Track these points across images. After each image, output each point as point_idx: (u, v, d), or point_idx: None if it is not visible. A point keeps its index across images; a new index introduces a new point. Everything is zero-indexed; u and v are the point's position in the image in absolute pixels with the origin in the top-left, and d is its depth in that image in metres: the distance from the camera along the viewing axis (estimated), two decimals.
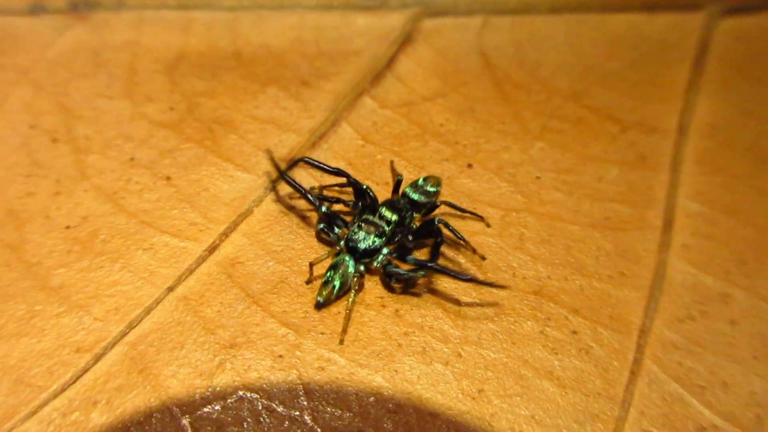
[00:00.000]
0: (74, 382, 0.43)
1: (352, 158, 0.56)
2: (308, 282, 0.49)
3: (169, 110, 0.58)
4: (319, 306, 0.47)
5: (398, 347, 0.46)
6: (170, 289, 0.48)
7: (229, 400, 0.43)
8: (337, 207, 0.52)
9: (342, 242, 0.49)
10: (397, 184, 0.53)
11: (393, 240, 0.49)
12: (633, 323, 0.49)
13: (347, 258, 0.48)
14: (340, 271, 0.47)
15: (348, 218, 0.51)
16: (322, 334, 0.46)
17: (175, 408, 0.42)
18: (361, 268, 0.48)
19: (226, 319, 0.47)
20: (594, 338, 0.48)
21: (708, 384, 0.46)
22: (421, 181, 0.53)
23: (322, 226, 0.49)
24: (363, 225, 0.49)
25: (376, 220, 0.50)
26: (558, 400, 0.45)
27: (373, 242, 0.48)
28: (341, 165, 0.56)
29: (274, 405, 0.43)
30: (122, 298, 0.47)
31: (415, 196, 0.52)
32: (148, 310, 0.46)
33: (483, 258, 0.51)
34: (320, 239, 0.51)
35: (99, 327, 0.45)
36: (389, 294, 0.48)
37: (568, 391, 0.45)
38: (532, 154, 0.58)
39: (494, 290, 0.49)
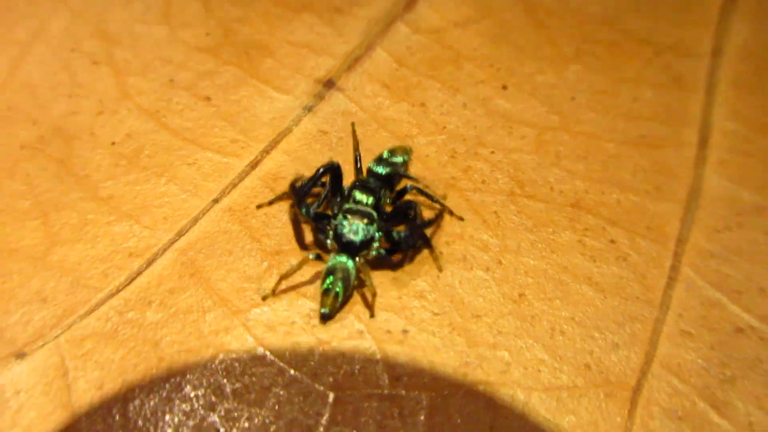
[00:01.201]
0: (129, 284, 0.44)
1: (387, 82, 0.57)
2: (272, 293, 0.44)
3: (205, 35, 0.58)
4: (325, 318, 0.43)
5: (439, 254, 0.47)
6: (215, 201, 0.49)
7: (275, 303, 0.44)
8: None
9: (330, 241, 0.45)
10: (357, 160, 0.50)
11: (378, 223, 0.46)
12: (670, 234, 0.49)
13: (344, 258, 0.44)
14: (340, 276, 0.43)
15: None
16: None
17: (226, 309, 0.44)
18: (360, 261, 0.44)
19: (270, 228, 0.48)
20: (632, 247, 0.48)
21: (744, 289, 0.46)
22: (386, 154, 0.50)
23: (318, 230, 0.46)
24: (349, 216, 0.45)
25: (360, 206, 0.46)
26: (597, 303, 0.46)
27: (367, 231, 0.45)
28: (376, 88, 0.56)
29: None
30: (169, 209, 0.48)
31: (380, 170, 0.49)
32: (195, 220, 0.47)
33: (461, 219, 0.49)
34: (302, 245, 0.47)
35: (149, 235, 0.46)
36: (430, 204, 0.49)
37: (607, 295, 0.46)
38: (567, 77, 0.58)
39: (531, 204, 0.50)
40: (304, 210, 0.44)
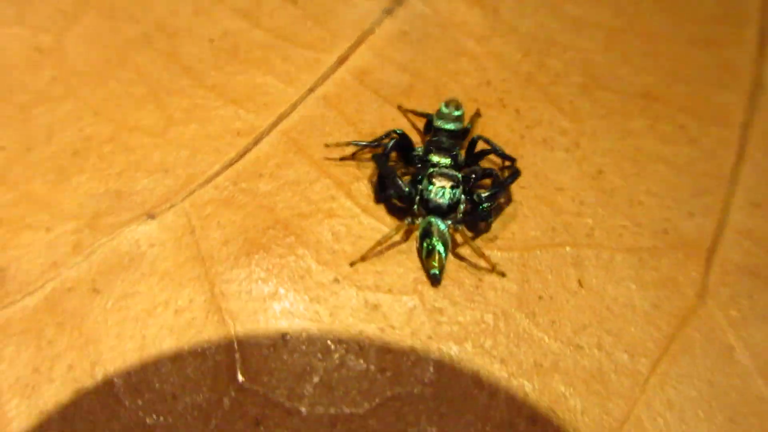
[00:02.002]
0: (239, 159, 0.48)
1: None
2: (360, 260, 0.44)
3: None
4: (436, 280, 0.43)
5: (521, 138, 0.51)
6: (311, 90, 0.52)
7: (374, 179, 0.48)
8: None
9: (416, 206, 0.45)
10: (428, 124, 0.49)
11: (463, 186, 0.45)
12: (735, 120, 0.53)
13: (433, 220, 0.44)
14: (435, 234, 0.43)
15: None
16: None
17: (330, 181, 0.48)
18: (449, 223, 0.44)
19: (364, 114, 0.51)
20: (700, 131, 0.52)
21: None
22: (445, 109, 0.49)
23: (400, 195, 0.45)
24: (434, 180, 0.45)
25: (443, 169, 0.46)
26: (671, 178, 0.49)
27: (454, 195, 0.45)
28: None
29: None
30: (269, 96, 0.52)
31: (452, 126, 0.48)
32: (293, 107, 0.51)
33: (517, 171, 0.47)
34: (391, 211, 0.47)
35: (253, 117, 0.50)
36: (507, 92, 0.52)
37: (680, 172, 0.50)
38: None
39: (604, 95, 0.53)
40: (396, 181, 0.44)
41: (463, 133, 0.49)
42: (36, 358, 0.39)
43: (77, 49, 0.52)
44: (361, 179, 0.48)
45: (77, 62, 0.52)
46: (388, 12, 0.57)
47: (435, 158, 0.47)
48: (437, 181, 0.45)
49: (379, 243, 0.43)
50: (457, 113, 0.49)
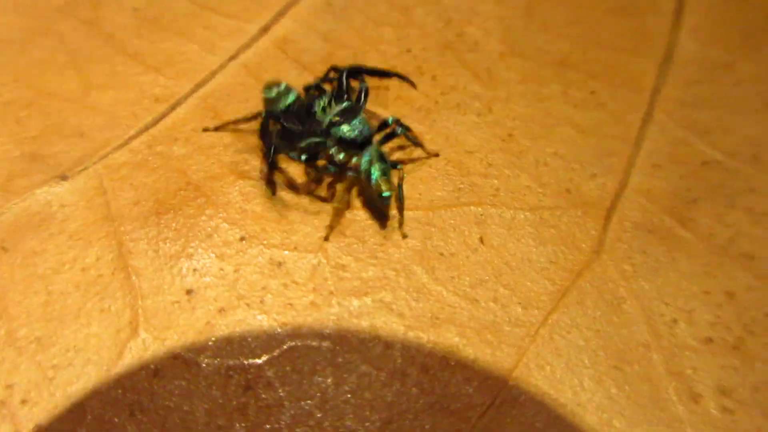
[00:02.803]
0: (156, 123, 0.49)
1: None
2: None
3: None
4: (387, 200, 0.45)
5: (435, 104, 0.52)
6: (232, 58, 0.53)
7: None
8: None
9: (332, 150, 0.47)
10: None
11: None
12: (646, 85, 0.54)
13: (376, 148, 0.46)
14: (370, 158, 0.45)
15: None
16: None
17: (243, 143, 0.49)
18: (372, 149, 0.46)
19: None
20: (611, 96, 0.53)
21: (711, 130, 0.52)
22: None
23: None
24: (341, 123, 0.47)
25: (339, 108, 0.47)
26: (578, 141, 0.51)
27: (364, 126, 0.47)
28: None
29: None
30: (190, 63, 0.53)
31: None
32: (213, 74, 0.52)
33: (413, 84, 0.50)
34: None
35: (173, 84, 0.51)
36: (426, 60, 0.54)
37: (587, 135, 0.51)
38: None
39: (520, 62, 0.54)
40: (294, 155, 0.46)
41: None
42: None
43: (3, 17, 0.53)
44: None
45: (1, 30, 0.53)
46: None
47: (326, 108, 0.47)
48: (343, 122, 0.46)
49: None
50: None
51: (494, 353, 0.41)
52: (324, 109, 0.47)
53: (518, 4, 0.58)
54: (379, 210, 0.45)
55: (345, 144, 0.46)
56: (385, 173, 0.44)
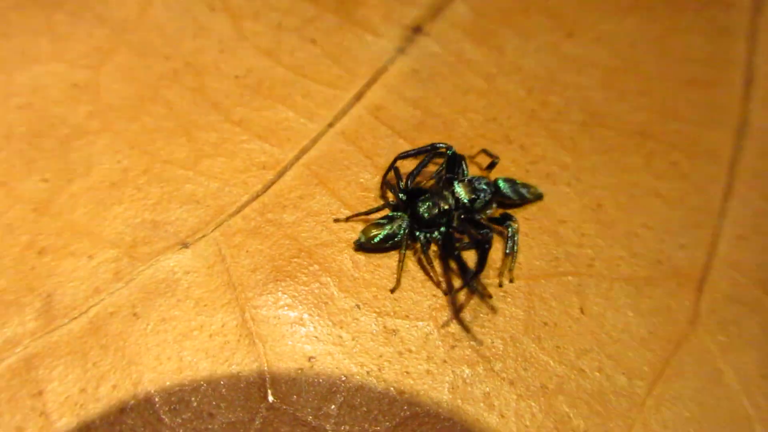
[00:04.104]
0: (265, 191, 0.52)
1: (468, 29, 0.64)
2: (345, 220, 0.50)
3: None
4: (357, 246, 0.49)
5: (526, 173, 0.55)
6: (330, 125, 0.56)
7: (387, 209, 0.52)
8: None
9: (403, 197, 0.50)
10: (491, 165, 0.53)
11: (452, 222, 0.49)
12: (724, 156, 0.57)
13: (406, 217, 0.49)
14: (396, 225, 0.48)
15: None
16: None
17: (350, 212, 0.51)
18: (417, 233, 0.49)
19: (379, 149, 0.55)
20: (691, 167, 0.56)
21: None
22: (519, 183, 0.53)
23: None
24: (433, 196, 0.50)
25: (447, 195, 0.50)
26: (665, 212, 0.53)
27: (436, 216, 0.49)
28: (458, 34, 0.64)
29: None
30: (292, 131, 0.55)
31: (503, 186, 0.52)
32: (314, 141, 0.55)
33: (511, 281, 0.50)
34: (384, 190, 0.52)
35: (277, 152, 0.54)
36: (512, 128, 0.56)
37: (672, 206, 0.54)
38: (626, 26, 0.65)
39: (602, 131, 0.57)
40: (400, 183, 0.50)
41: (508, 202, 0.52)
42: (82, 378, 0.42)
43: (112, 84, 0.56)
44: (374, 211, 0.52)
45: (112, 97, 0.55)
46: (401, 51, 0.61)
47: (457, 188, 0.51)
48: (434, 198, 0.49)
49: (365, 213, 0.49)
50: (523, 191, 0.53)
51: (604, 424, 0.44)
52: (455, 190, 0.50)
53: (595, 74, 0.61)
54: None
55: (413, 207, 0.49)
56: (380, 227, 0.48)
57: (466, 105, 0.59)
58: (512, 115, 0.59)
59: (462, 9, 0.65)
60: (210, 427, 0.41)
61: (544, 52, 0.63)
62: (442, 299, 0.48)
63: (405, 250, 0.48)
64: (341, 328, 0.46)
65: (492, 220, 0.50)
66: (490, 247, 0.45)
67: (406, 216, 0.49)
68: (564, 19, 0.65)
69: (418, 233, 0.49)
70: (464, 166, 0.51)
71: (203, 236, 0.49)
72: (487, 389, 0.44)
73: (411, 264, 0.49)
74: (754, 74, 0.62)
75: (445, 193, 0.50)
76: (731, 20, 0.66)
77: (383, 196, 0.51)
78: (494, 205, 0.51)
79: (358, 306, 0.47)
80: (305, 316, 0.46)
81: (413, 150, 0.51)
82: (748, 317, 0.48)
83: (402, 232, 0.48)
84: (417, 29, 0.63)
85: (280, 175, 0.53)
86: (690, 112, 0.59)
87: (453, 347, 0.46)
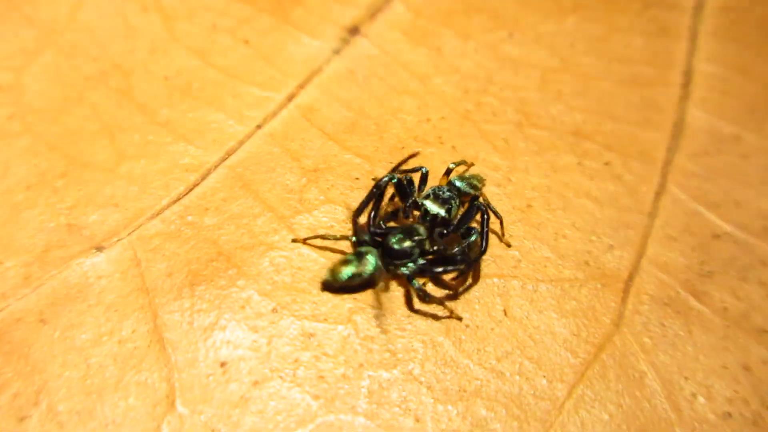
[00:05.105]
0: (187, 193, 0.51)
1: (406, 29, 0.64)
2: (302, 241, 0.48)
3: None
4: (325, 287, 0.47)
5: (455, 172, 0.54)
6: (258, 126, 0.55)
7: (314, 212, 0.51)
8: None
9: (367, 236, 0.48)
10: (447, 171, 0.52)
11: (428, 250, 0.47)
12: (657, 157, 0.56)
13: (372, 254, 0.46)
14: (366, 264, 0.46)
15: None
16: (390, 162, 0.54)
17: (273, 215, 0.50)
18: (391, 267, 0.47)
19: (308, 150, 0.54)
20: (624, 168, 0.56)
21: (722, 202, 0.54)
22: (467, 176, 0.52)
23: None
24: (403, 229, 0.48)
25: (419, 228, 0.48)
26: (595, 213, 0.53)
27: (408, 249, 0.47)
28: (396, 35, 0.63)
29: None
30: (218, 133, 0.55)
31: (462, 185, 0.50)
32: (241, 143, 0.54)
33: (508, 245, 0.51)
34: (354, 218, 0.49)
35: (202, 153, 0.53)
36: (446, 129, 0.56)
37: (603, 207, 0.53)
38: (566, 26, 0.65)
39: (536, 132, 0.57)
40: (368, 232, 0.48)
41: (466, 197, 0.51)
42: None
43: (36, 86, 0.55)
44: (302, 212, 0.51)
45: (35, 99, 0.54)
46: (337, 52, 0.61)
47: (429, 205, 0.49)
48: (405, 229, 0.48)
49: (322, 237, 0.47)
50: (475, 182, 0.52)
51: (522, 427, 0.43)
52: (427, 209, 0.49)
53: (533, 75, 0.61)
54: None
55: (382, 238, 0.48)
56: (347, 264, 0.46)
57: (400, 106, 0.58)
58: (446, 116, 0.58)
59: (401, 10, 0.64)
60: None
61: (483, 52, 0.62)
62: (362, 302, 0.47)
63: (380, 288, 0.46)
64: (256, 332, 0.45)
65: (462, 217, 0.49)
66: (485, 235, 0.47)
67: (374, 250, 0.46)
68: (505, 20, 0.65)
69: (391, 267, 0.47)
70: (414, 186, 0.50)
71: (119, 240, 0.48)
72: (405, 393, 0.43)
73: (329, 254, 0.48)
74: (693, 75, 0.62)
75: (413, 218, 0.49)
76: (672, 21, 0.66)
77: (355, 231, 0.49)
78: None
79: (275, 310, 0.46)
80: (220, 321, 0.45)
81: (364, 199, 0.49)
82: (672, 318, 0.47)
83: (372, 268, 0.46)
84: (354, 30, 0.62)
85: (204, 177, 0.52)
86: (626, 112, 0.59)
87: (371, 351, 0.45)
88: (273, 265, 0.48)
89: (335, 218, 0.51)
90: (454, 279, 0.47)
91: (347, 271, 0.45)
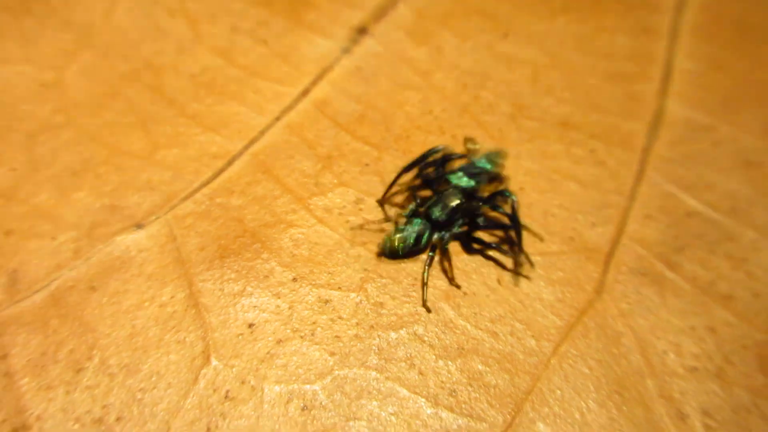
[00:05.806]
0: (215, 177, 0.57)
1: (410, 30, 0.70)
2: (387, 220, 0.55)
3: None
4: (386, 253, 0.53)
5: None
6: (277, 119, 0.61)
7: (329, 194, 0.58)
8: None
9: (415, 207, 0.54)
10: (467, 153, 0.58)
11: (467, 212, 0.54)
12: (638, 145, 0.62)
13: (424, 223, 0.53)
14: (416, 225, 0.53)
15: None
16: (395, 150, 0.60)
17: (291, 196, 0.57)
18: (437, 235, 0.53)
19: (322, 139, 0.61)
20: (607, 154, 0.62)
21: (695, 185, 0.60)
22: (488, 153, 0.58)
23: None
24: (439, 197, 0.54)
25: (452, 191, 0.54)
26: (580, 194, 0.59)
27: (449, 214, 0.53)
28: (400, 35, 0.69)
29: (364, 196, 0.57)
30: (242, 124, 0.61)
31: (483, 163, 0.57)
32: (262, 133, 0.60)
33: (542, 239, 0.56)
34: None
35: (227, 142, 0.59)
36: (446, 120, 0.62)
37: (588, 189, 0.59)
38: (556, 26, 0.71)
39: (528, 123, 0.63)
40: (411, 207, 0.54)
41: (494, 177, 0.57)
42: (43, 343, 0.48)
43: (76, 83, 0.61)
44: (317, 194, 0.57)
45: (76, 95, 0.61)
46: (346, 51, 0.67)
47: (460, 178, 0.55)
48: (442, 198, 0.54)
49: (389, 188, 0.56)
50: (498, 159, 0.57)
51: (512, 379, 0.49)
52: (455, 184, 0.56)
53: (525, 71, 0.67)
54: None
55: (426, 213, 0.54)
56: (404, 236, 0.53)
57: (404, 100, 0.64)
58: (446, 108, 0.64)
59: (404, 12, 0.70)
60: (158, 386, 0.46)
61: (480, 51, 0.68)
62: (373, 273, 0.53)
63: (433, 253, 0.52)
64: (279, 298, 0.51)
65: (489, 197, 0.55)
66: (516, 204, 0.53)
67: (422, 221, 0.53)
68: (500, 21, 0.71)
69: (437, 235, 0.53)
70: (452, 160, 0.56)
71: (156, 218, 0.54)
72: (410, 351, 0.50)
73: (342, 231, 0.54)
74: (672, 70, 0.68)
75: (450, 189, 0.55)
76: (654, 21, 0.72)
77: (385, 214, 0.55)
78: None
79: (295, 279, 0.52)
80: (247, 288, 0.51)
81: (412, 162, 0.56)
82: (647, 286, 0.53)
83: (427, 231, 0.52)
84: (362, 31, 0.68)
85: (230, 163, 0.58)
86: (610, 104, 0.65)
87: (380, 315, 0.51)
88: (292, 241, 0.54)
89: (347, 200, 0.57)
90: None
91: (409, 236, 0.52)
